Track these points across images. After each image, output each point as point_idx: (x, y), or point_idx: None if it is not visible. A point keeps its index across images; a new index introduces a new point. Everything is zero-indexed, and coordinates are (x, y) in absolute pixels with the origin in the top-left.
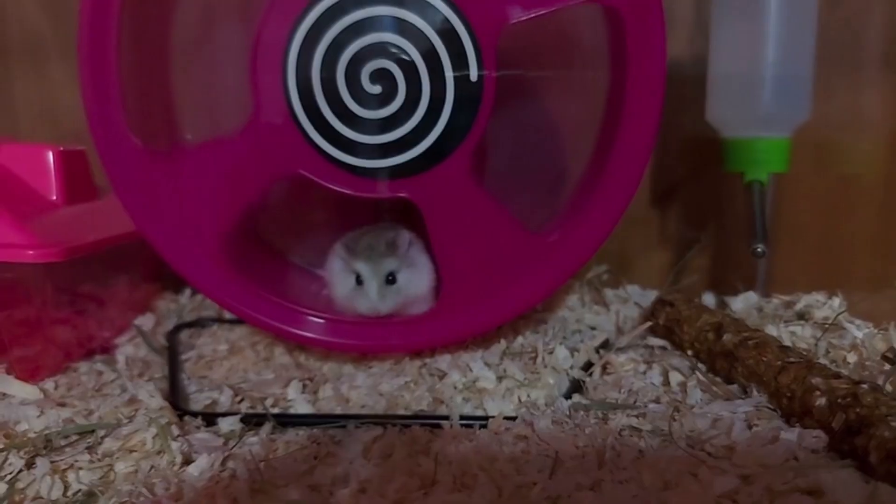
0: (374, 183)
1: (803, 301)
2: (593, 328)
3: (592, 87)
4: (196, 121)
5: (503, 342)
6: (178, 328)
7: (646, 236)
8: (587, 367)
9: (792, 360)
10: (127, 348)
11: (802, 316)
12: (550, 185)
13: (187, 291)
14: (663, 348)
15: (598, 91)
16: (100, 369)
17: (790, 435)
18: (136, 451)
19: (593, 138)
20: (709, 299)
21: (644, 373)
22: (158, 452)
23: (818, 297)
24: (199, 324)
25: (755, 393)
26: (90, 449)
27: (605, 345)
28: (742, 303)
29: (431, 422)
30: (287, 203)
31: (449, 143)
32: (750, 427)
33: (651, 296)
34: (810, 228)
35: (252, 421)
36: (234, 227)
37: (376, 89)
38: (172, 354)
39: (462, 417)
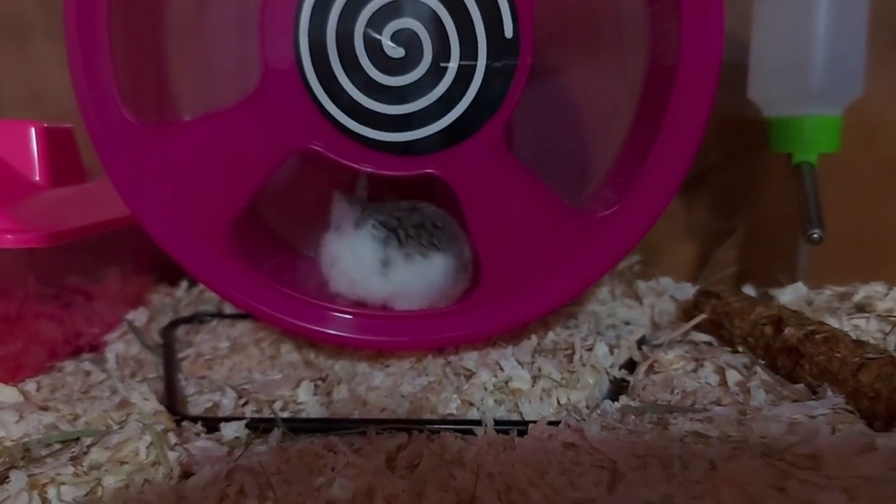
0: (396, 159)
1: (861, 292)
2: (627, 323)
3: (633, 52)
4: (195, 94)
5: (534, 338)
6: (175, 324)
7: (672, 226)
8: (629, 365)
9: (871, 355)
10: (118, 346)
11: (862, 308)
12: (583, 162)
13: (184, 284)
14: (709, 344)
15: (640, 52)
16: (87, 369)
17: (887, 441)
18: (127, 462)
19: (633, 106)
20: (749, 292)
21: (695, 371)
22: (153, 464)
23: (878, 287)
24: (197, 319)
25: (828, 393)
26: (75, 460)
27: (643, 341)
28: (791, 294)
29: (463, 427)
30: (300, 190)
31: (481, 114)
32: (833, 432)
33: (685, 288)
34: (846, 214)
35: (259, 427)
36: (240, 212)
37: (399, 52)
38: (168, 352)
39: (497, 423)
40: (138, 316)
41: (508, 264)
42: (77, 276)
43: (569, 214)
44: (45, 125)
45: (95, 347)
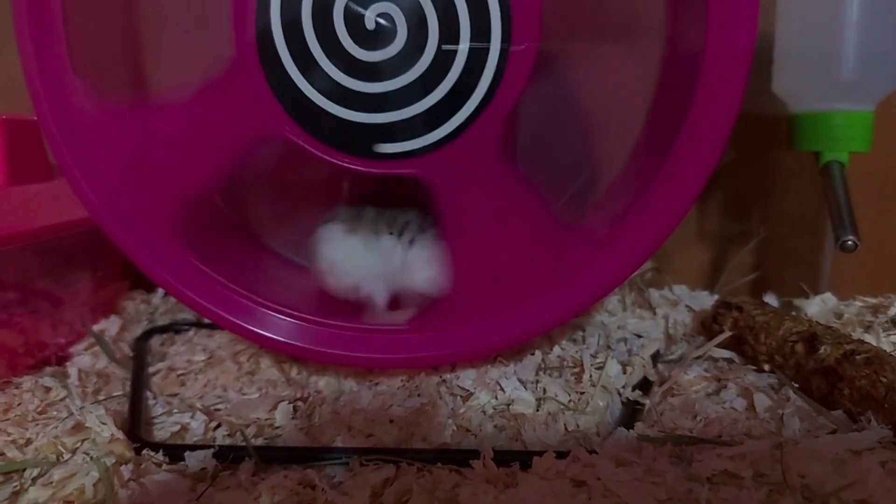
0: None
1: None
2: (639, 336)
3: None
4: (168, 74)
5: (538, 354)
6: (149, 334)
7: (684, 230)
8: (643, 385)
9: None
10: (83, 358)
11: None
12: (585, 170)
13: (160, 290)
14: (730, 361)
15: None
16: (48, 385)
17: None
18: (72, 501)
19: (646, 105)
20: (771, 302)
21: (717, 393)
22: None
23: None
24: (173, 328)
25: (872, 422)
26: (15, 496)
27: (657, 356)
28: (818, 306)
29: (457, 458)
30: (268, 178)
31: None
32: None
33: (702, 297)
34: (865, 219)
35: (229, 456)
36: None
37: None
38: (138, 367)
39: (497, 453)
40: (110, 325)
41: (489, 281)
42: (41, 281)
43: (565, 232)
44: (5, 116)
45: (63, 360)
